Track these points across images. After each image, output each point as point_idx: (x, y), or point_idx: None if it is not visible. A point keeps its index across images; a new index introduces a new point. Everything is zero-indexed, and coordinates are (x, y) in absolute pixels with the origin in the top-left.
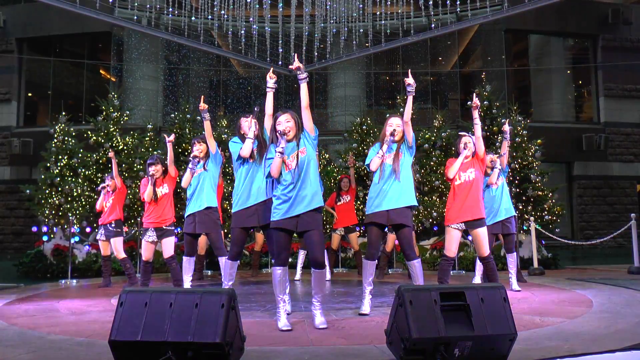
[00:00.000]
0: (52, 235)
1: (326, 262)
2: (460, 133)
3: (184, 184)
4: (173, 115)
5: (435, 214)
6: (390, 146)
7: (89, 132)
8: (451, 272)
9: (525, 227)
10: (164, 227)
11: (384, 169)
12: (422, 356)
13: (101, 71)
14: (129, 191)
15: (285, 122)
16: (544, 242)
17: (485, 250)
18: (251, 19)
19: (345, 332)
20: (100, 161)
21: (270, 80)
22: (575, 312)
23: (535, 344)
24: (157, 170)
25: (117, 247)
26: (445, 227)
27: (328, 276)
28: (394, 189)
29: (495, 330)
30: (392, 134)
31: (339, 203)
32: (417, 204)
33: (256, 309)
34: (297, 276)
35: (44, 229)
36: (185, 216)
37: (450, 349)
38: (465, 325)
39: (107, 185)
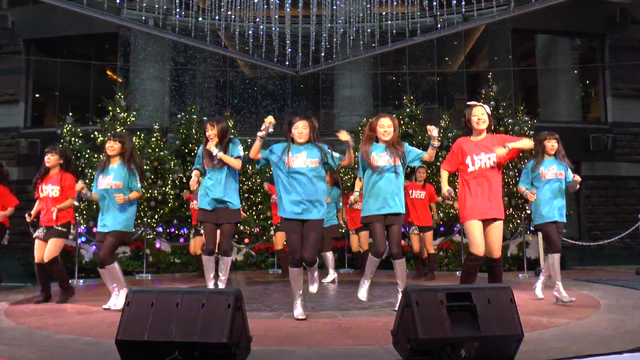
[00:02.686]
0: None
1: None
2: (469, 103)
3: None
4: (179, 115)
5: (441, 214)
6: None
7: (96, 133)
8: (457, 272)
9: (532, 228)
10: (55, 227)
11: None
12: (428, 357)
13: (108, 72)
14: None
15: (303, 128)
16: None
17: (498, 251)
18: (258, 19)
19: (351, 332)
20: None
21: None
22: (582, 313)
23: (542, 345)
24: (49, 160)
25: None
26: (463, 224)
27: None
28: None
29: (502, 331)
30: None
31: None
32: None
33: (263, 310)
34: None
35: None
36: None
37: (456, 349)
38: (471, 326)
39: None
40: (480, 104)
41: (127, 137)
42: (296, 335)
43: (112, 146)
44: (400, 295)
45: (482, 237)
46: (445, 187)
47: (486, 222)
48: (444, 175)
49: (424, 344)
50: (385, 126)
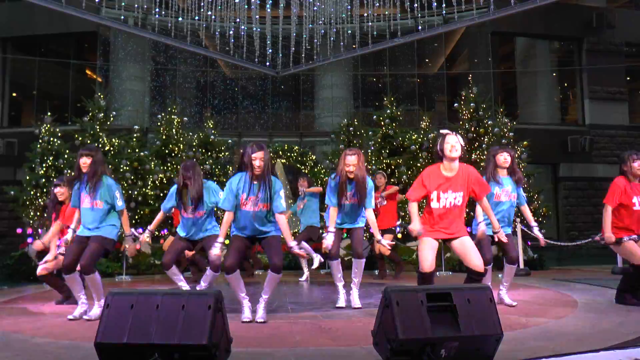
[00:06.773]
0: (37, 237)
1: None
2: (443, 131)
3: None
4: (160, 116)
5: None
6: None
7: (75, 133)
8: (437, 273)
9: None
10: None
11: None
12: (408, 357)
13: (87, 71)
14: None
15: (260, 159)
16: (529, 243)
17: (481, 264)
18: (238, 19)
19: (331, 333)
20: None
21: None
22: (560, 312)
23: (521, 344)
24: (61, 194)
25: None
26: (418, 239)
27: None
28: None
29: (482, 330)
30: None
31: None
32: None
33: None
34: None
35: (29, 230)
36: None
37: (436, 349)
38: (451, 326)
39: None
40: (454, 133)
41: (96, 151)
42: (276, 337)
43: (85, 162)
44: (353, 291)
45: (433, 254)
46: (417, 226)
47: (449, 240)
48: (414, 208)
49: (404, 344)
50: (351, 164)
